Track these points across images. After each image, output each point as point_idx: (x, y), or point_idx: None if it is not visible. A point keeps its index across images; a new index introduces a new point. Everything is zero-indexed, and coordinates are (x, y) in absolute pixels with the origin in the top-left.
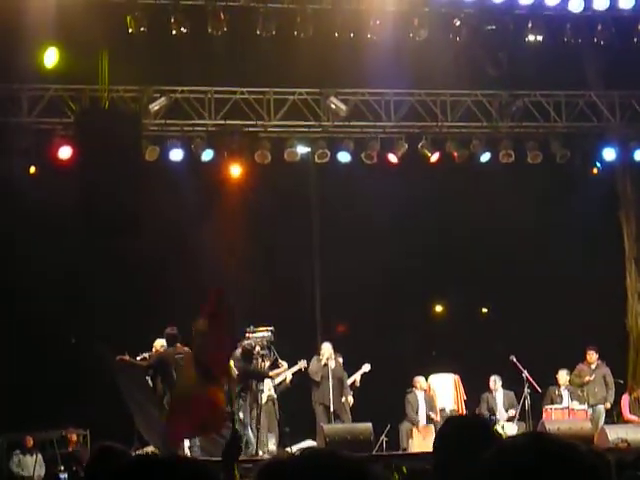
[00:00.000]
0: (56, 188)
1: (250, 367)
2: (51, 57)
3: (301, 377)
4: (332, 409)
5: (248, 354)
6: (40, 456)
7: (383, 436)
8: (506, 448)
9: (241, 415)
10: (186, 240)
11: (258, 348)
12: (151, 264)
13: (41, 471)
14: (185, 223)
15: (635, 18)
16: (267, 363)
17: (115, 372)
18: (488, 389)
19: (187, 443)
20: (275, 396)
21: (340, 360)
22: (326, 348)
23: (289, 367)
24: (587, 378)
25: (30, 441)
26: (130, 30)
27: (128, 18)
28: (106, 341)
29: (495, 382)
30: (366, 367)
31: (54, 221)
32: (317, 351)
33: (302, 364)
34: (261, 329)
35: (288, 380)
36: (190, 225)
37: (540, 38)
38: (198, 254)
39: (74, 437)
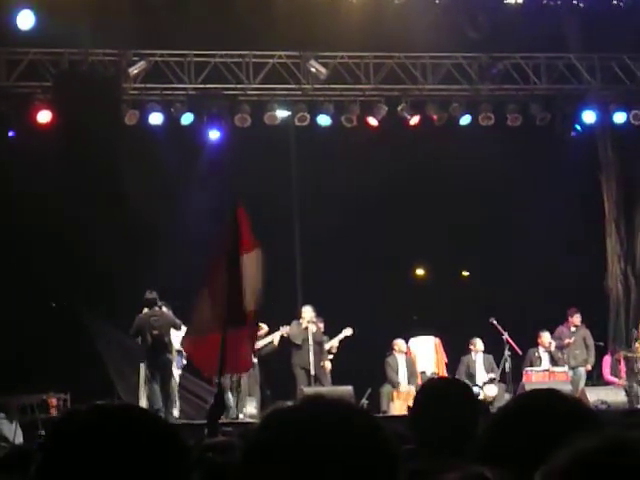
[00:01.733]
0: (36, 152)
1: None
2: (27, 20)
3: (282, 341)
4: (313, 373)
5: None
6: (16, 423)
7: (364, 399)
8: None
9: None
10: (167, 205)
11: None
12: (133, 229)
13: (19, 438)
14: (165, 187)
15: None
16: None
17: (95, 336)
18: (468, 351)
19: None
20: (256, 360)
21: (321, 325)
22: (307, 311)
23: (271, 332)
24: (567, 340)
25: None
26: None
27: None
28: (87, 304)
29: (475, 345)
30: (347, 331)
31: (35, 185)
32: (298, 315)
33: (284, 330)
34: None
35: (276, 342)
36: (171, 189)
37: (520, 0)
38: (180, 219)
39: (54, 401)
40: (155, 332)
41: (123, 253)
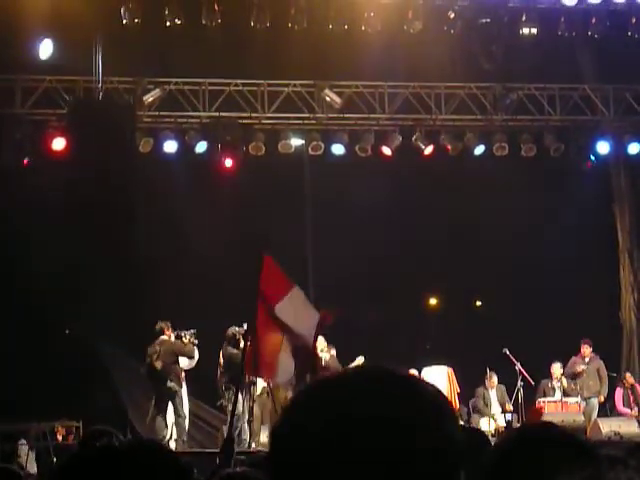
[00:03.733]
0: (50, 179)
1: (234, 353)
2: (46, 49)
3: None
4: None
5: (232, 339)
6: (33, 450)
7: None
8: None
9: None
10: (180, 231)
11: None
12: (146, 255)
13: (33, 467)
14: (179, 215)
15: (629, 11)
16: None
17: (109, 364)
18: (484, 385)
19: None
20: (270, 388)
21: (333, 352)
22: (319, 340)
23: None
24: (580, 367)
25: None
26: (124, 21)
27: (122, 9)
28: (102, 333)
29: (492, 378)
30: (359, 359)
31: (48, 212)
32: None
33: None
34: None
35: None
36: (184, 217)
37: (534, 31)
38: (193, 246)
39: (60, 430)
40: (157, 362)
41: (137, 282)
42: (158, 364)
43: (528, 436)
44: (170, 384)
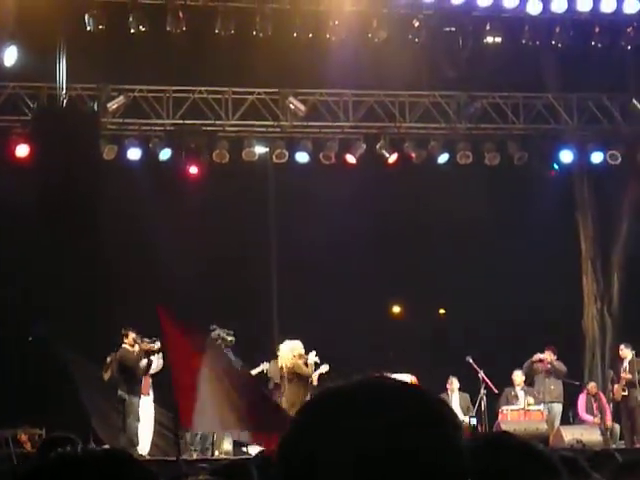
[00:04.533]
0: (13, 186)
1: None
2: (10, 55)
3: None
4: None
5: None
6: None
7: None
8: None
9: None
10: (144, 239)
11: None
12: (108, 263)
13: None
14: (143, 222)
15: (593, 21)
16: None
17: (73, 372)
18: (445, 390)
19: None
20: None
21: (313, 358)
22: (310, 356)
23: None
24: (537, 357)
25: None
26: (89, 28)
27: (87, 16)
28: (65, 340)
29: (452, 383)
30: (324, 367)
31: (11, 219)
32: (275, 353)
33: (264, 366)
34: (225, 331)
35: None
36: (148, 224)
37: (498, 40)
38: (156, 253)
39: (23, 437)
40: (106, 373)
41: (101, 288)
42: (106, 375)
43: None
44: (119, 393)
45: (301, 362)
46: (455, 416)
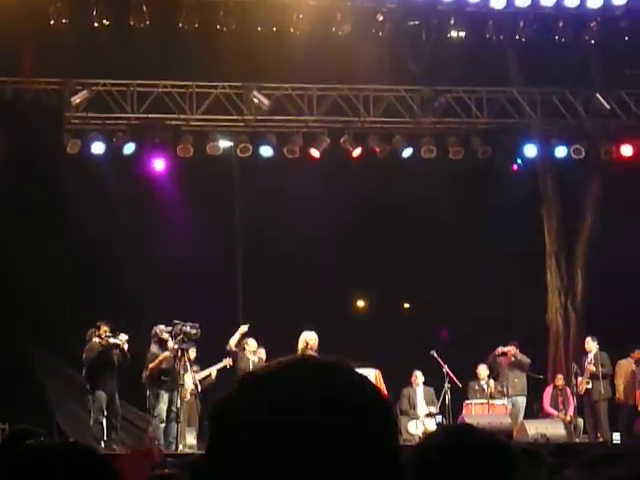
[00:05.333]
0: None
1: (156, 352)
2: None
3: (226, 373)
4: None
5: (155, 338)
6: None
7: None
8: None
9: (162, 407)
10: (107, 233)
11: (171, 343)
12: (73, 258)
13: None
14: (106, 216)
15: (557, 15)
16: (185, 361)
17: (38, 366)
18: (409, 384)
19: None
20: (198, 391)
21: (263, 353)
22: (252, 344)
23: (209, 365)
24: (500, 350)
25: None
26: (52, 22)
27: (50, 9)
28: (29, 334)
29: (417, 377)
30: (227, 361)
31: None
32: (241, 347)
33: (227, 361)
34: (189, 325)
35: (213, 375)
36: (111, 218)
37: (462, 34)
38: (120, 248)
39: None
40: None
41: (66, 283)
42: (84, 370)
43: (447, 440)
44: (87, 387)
45: (312, 353)
46: (381, 399)
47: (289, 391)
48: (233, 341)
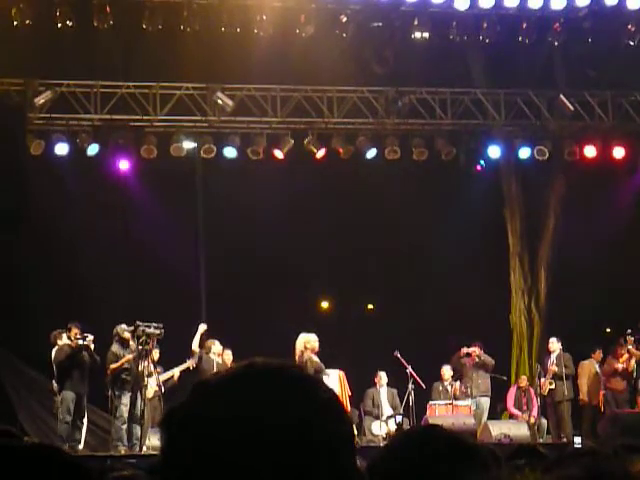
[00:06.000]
0: None
1: (117, 351)
2: None
3: (191, 374)
4: None
5: (116, 337)
6: None
7: None
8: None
9: (124, 408)
10: (70, 235)
11: (133, 344)
12: (34, 259)
13: None
14: (69, 217)
15: (520, 17)
16: (148, 363)
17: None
18: (373, 384)
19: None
20: (162, 392)
21: (229, 356)
22: (216, 346)
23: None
24: (464, 350)
25: None
26: (15, 22)
27: (13, 10)
28: None
29: (381, 378)
30: (190, 362)
31: None
32: (206, 349)
33: (190, 362)
34: (153, 325)
35: (176, 377)
36: (75, 219)
37: (426, 35)
38: (83, 250)
39: None
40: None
41: (28, 284)
42: (54, 372)
43: (414, 440)
44: (55, 388)
45: (311, 355)
46: (332, 401)
47: (237, 396)
48: (195, 343)
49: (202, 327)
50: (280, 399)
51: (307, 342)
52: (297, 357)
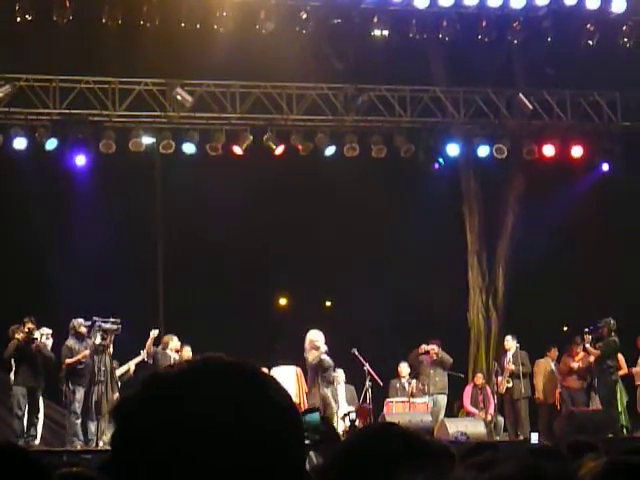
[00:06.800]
0: None
1: (72, 345)
2: None
3: (147, 369)
4: None
5: (72, 331)
6: None
7: None
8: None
9: (77, 404)
10: (28, 230)
11: (90, 340)
12: None
13: None
14: (27, 212)
15: (479, 15)
16: (105, 357)
17: None
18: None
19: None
20: (118, 387)
21: (189, 351)
22: (174, 341)
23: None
24: (424, 348)
25: None
26: None
27: None
28: None
29: (338, 375)
30: (143, 353)
31: None
32: (163, 344)
33: (144, 354)
34: (110, 320)
35: (131, 371)
36: (33, 215)
37: (386, 33)
38: (41, 246)
39: None
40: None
41: None
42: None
43: (368, 438)
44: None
45: (316, 353)
46: (285, 398)
47: (189, 390)
48: (147, 348)
49: (153, 332)
50: (233, 396)
51: (313, 339)
52: (306, 352)
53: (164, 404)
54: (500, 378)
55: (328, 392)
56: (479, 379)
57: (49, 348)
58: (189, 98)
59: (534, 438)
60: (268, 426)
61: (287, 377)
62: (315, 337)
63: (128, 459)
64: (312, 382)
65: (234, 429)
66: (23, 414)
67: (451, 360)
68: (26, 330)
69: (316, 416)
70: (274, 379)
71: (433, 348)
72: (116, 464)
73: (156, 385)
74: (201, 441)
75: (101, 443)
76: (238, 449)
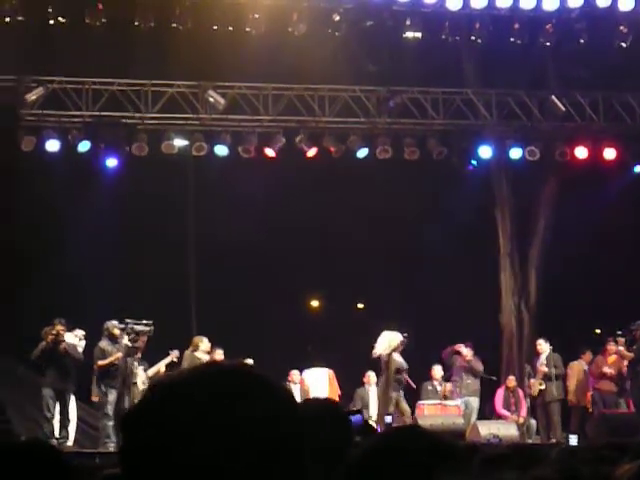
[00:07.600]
0: None
1: (105, 347)
2: None
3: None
4: None
5: (105, 333)
6: None
7: None
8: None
9: (109, 407)
10: (61, 231)
11: (124, 341)
12: (25, 255)
13: None
14: (60, 214)
15: (512, 17)
16: (137, 360)
17: None
18: (362, 384)
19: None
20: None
21: (221, 353)
22: (203, 342)
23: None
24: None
25: None
26: (7, 19)
27: (6, 6)
28: None
29: (370, 377)
30: (174, 354)
31: None
32: (194, 347)
33: (174, 354)
34: (143, 322)
35: (162, 371)
36: (65, 216)
37: (418, 35)
38: (73, 247)
39: None
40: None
41: (21, 282)
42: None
43: (392, 440)
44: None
45: (394, 354)
46: (291, 402)
47: (193, 395)
48: (161, 367)
49: (173, 353)
50: (237, 399)
51: (391, 341)
52: (377, 354)
53: (168, 408)
54: (533, 380)
55: (399, 395)
56: (511, 382)
57: (82, 350)
58: (221, 100)
59: (573, 440)
60: (274, 428)
61: (320, 379)
62: (390, 338)
63: (134, 463)
64: (384, 384)
65: (239, 431)
66: (52, 416)
67: (481, 369)
68: (54, 332)
69: (359, 418)
70: (278, 382)
71: (467, 354)
72: (124, 469)
73: (161, 390)
74: (206, 444)
75: None
76: (244, 451)
